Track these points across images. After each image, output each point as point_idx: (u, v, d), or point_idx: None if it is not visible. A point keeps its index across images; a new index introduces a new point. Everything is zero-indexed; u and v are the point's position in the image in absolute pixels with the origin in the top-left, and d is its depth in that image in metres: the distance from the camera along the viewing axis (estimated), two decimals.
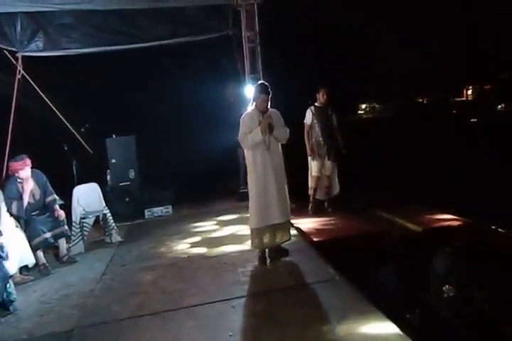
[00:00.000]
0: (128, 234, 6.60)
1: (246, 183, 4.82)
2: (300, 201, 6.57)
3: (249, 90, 6.38)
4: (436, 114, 23.55)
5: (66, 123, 7.65)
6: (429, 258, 4.28)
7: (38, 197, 5.29)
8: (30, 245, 4.98)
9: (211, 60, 10.07)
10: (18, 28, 6.73)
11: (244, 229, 5.35)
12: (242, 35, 7.05)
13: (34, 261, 5.04)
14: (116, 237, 6.23)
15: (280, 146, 4.75)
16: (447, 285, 3.84)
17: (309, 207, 6.66)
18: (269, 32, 7.58)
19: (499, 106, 26.13)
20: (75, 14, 6.77)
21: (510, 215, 5.11)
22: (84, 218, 5.97)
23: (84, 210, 6.03)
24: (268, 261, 4.72)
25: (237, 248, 5.24)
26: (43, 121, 7.93)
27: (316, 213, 6.54)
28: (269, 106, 4.66)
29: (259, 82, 4.90)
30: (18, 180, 5.11)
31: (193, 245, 5.64)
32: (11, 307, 4.06)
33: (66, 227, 5.42)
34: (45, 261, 5.19)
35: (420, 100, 38.74)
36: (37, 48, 6.93)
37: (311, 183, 6.70)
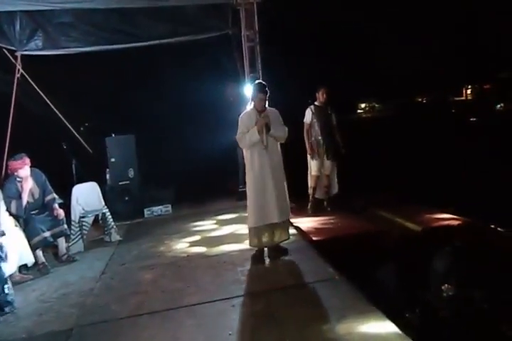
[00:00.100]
0: (127, 233, 6.60)
1: (245, 182, 4.82)
2: (299, 200, 6.57)
3: (248, 89, 6.37)
4: (435, 114, 23.54)
5: (65, 122, 7.65)
6: (429, 257, 4.28)
7: (37, 196, 5.29)
8: (30, 244, 4.97)
9: (211, 59, 10.05)
10: (18, 27, 6.72)
11: (244, 228, 5.35)
12: (241, 34, 7.05)
13: (33, 260, 5.03)
14: (116, 236, 6.22)
15: (279, 145, 4.74)
16: (447, 285, 3.84)
17: (309, 207, 6.66)
18: (268, 31, 7.57)
19: (498, 106, 26.14)
20: (75, 13, 6.77)
21: (509, 215, 5.11)
22: (83, 217, 5.96)
23: (83, 209, 6.03)
24: (267, 260, 4.72)
25: (237, 247, 5.24)
26: (43, 120, 7.91)
27: (316, 212, 6.54)
28: (267, 106, 4.66)
29: (257, 81, 4.89)
30: (18, 179, 5.11)
31: (193, 244, 5.64)
32: (6, 308, 4.04)
33: (65, 226, 5.42)
34: (44, 260, 5.19)
35: (420, 99, 38.74)
36: (36, 47, 6.92)
37: (310, 182, 6.70)
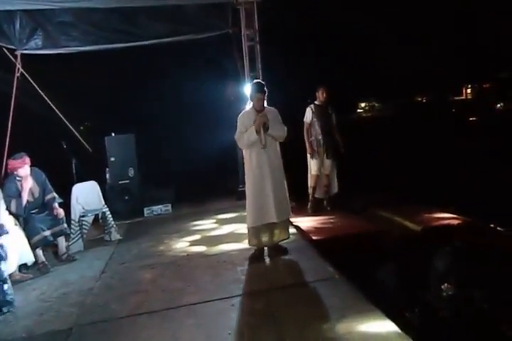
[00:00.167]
0: (127, 232, 6.60)
1: (245, 182, 4.82)
2: (299, 200, 6.57)
3: (248, 89, 6.37)
4: (435, 113, 23.54)
5: (65, 121, 7.64)
6: (429, 257, 4.28)
7: (37, 195, 5.29)
8: (30, 243, 4.97)
9: (211, 58, 10.07)
10: (17, 26, 6.72)
11: (244, 228, 5.34)
12: (241, 33, 7.04)
13: (33, 259, 5.03)
14: (116, 235, 6.22)
15: (278, 145, 4.73)
16: (447, 284, 3.85)
17: (308, 206, 6.67)
18: (268, 30, 7.57)
19: (498, 105, 26.15)
20: (75, 12, 6.76)
21: (509, 214, 5.11)
22: (83, 216, 5.96)
23: (83, 208, 6.03)
24: (267, 259, 4.72)
25: (237, 246, 5.24)
26: (42, 119, 7.92)
27: (316, 212, 6.55)
28: (266, 105, 4.65)
29: (255, 80, 4.88)
30: (17, 178, 5.10)
31: (193, 243, 5.64)
32: (6, 308, 4.03)
33: (65, 225, 5.42)
34: (44, 259, 5.19)
35: (420, 99, 38.74)
36: (36, 46, 6.92)
37: (310, 182, 6.70)
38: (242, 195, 5.80)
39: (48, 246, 5.50)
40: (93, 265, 5.23)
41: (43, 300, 4.30)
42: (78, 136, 7.89)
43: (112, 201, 7.08)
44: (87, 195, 6.14)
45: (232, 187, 7.85)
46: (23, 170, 5.08)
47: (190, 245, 5.58)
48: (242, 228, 5.70)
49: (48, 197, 5.37)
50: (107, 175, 7.54)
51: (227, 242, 5.45)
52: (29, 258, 4.99)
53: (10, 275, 4.38)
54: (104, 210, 6.17)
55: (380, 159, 9.50)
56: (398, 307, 3.66)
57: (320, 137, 6.49)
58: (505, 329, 3.32)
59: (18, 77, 6.84)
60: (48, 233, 5.15)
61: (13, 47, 6.81)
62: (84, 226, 5.96)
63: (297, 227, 5.69)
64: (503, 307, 3.59)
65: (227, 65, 8.13)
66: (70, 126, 7.73)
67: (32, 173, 5.21)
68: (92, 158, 7.94)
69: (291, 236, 4.93)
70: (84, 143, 7.98)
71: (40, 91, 7.23)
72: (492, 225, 5.23)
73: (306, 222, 6.02)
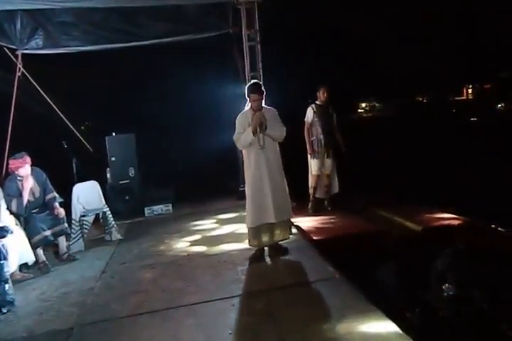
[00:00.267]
0: (128, 232, 6.60)
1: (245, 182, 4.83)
2: (300, 200, 6.57)
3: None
4: (435, 113, 23.54)
5: (66, 121, 7.64)
6: (429, 257, 4.28)
7: (37, 194, 5.29)
8: (30, 243, 4.98)
9: (211, 58, 10.06)
10: (18, 26, 6.71)
11: (244, 228, 5.33)
12: (242, 33, 7.04)
13: (34, 259, 5.04)
14: (116, 235, 6.23)
15: (277, 145, 4.72)
16: (447, 285, 3.85)
17: (309, 206, 6.67)
18: (269, 30, 7.57)
19: (499, 106, 26.14)
20: (75, 12, 6.76)
21: (509, 214, 5.11)
22: (84, 216, 5.97)
23: (84, 208, 6.03)
24: (267, 259, 4.72)
25: (237, 246, 5.24)
26: (43, 118, 7.92)
27: (316, 212, 6.55)
28: (264, 105, 4.65)
29: (252, 81, 4.86)
30: (18, 177, 5.11)
31: (193, 243, 5.64)
32: (6, 308, 4.04)
33: (66, 225, 5.42)
34: (44, 259, 5.19)
35: (420, 99, 38.75)
36: (37, 46, 6.91)
37: (310, 182, 6.70)
38: (242, 195, 5.80)
39: (49, 245, 5.51)
40: (94, 265, 5.23)
41: (44, 299, 4.31)
42: (79, 135, 7.89)
43: (113, 201, 7.09)
44: (87, 194, 6.15)
45: (233, 187, 7.86)
46: (24, 169, 5.09)
47: (191, 245, 5.59)
48: (242, 228, 5.70)
49: (49, 196, 5.38)
50: (108, 175, 7.55)
51: (228, 242, 5.46)
52: (30, 258, 5.00)
53: (10, 275, 4.38)
54: (104, 210, 6.18)
55: (380, 159, 9.50)
56: (398, 307, 3.66)
57: (321, 137, 6.49)
58: (506, 329, 3.32)
59: (19, 77, 6.84)
60: (48, 233, 5.15)
61: (13, 46, 6.81)
62: (84, 226, 5.97)
63: (298, 227, 5.68)
64: (503, 307, 3.59)
65: (227, 64, 8.13)
66: (71, 126, 7.73)
67: (33, 173, 5.21)
68: (93, 158, 7.94)
69: (291, 236, 4.93)
70: (85, 142, 7.98)
71: (41, 90, 7.23)
72: (493, 226, 5.23)
73: (306, 222, 6.03)
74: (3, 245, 4.22)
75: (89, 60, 8.58)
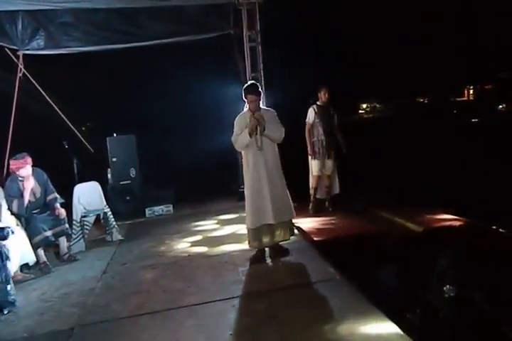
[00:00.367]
0: (128, 232, 6.60)
1: None
2: (301, 200, 6.56)
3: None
4: (436, 114, 23.53)
5: (67, 121, 7.66)
6: (430, 258, 4.28)
7: (38, 195, 5.29)
8: (31, 243, 4.99)
9: (212, 59, 10.06)
10: (19, 26, 6.72)
11: (245, 228, 5.34)
12: (243, 34, 7.04)
13: (35, 259, 5.05)
14: (117, 236, 6.23)
15: (276, 146, 4.72)
16: (448, 286, 3.85)
17: (310, 207, 6.67)
18: (270, 31, 7.57)
19: (500, 106, 26.13)
20: (76, 12, 6.77)
21: (510, 215, 5.11)
22: (84, 216, 5.97)
23: (85, 209, 6.03)
24: (268, 260, 4.72)
25: (238, 247, 5.24)
26: (44, 119, 7.93)
27: (317, 212, 6.55)
28: (262, 106, 4.65)
29: (249, 82, 4.86)
30: (19, 178, 5.11)
31: (194, 244, 5.64)
32: (8, 308, 4.04)
33: (67, 226, 5.42)
34: (45, 259, 5.20)
35: (421, 100, 38.75)
36: (38, 46, 6.92)
37: (311, 183, 6.70)
38: (243, 196, 5.80)
39: (50, 246, 5.51)
40: (94, 265, 5.23)
41: (44, 300, 4.31)
42: (80, 136, 7.91)
43: (114, 201, 7.10)
44: (88, 195, 6.15)
45: (234, 187, 7.86)
46: (25, 170, 5.09)
47: (192, 246, 5.59)
48: (243, 229, 5.69)
49: (50, 197, 5.38)
50: (109, 176, 7.55)
51: (229, 243, 5.46)
52: (31, 258, 5.00)
53: (12, 276, 4.38)
54: (105, 210, 6.18)
55: (381, 160, 9.50)
56: (399, 308, 3.66)
57: (322, 138, 6.49)
58: (506, 329, 3.31)
59: (20, 78, 6.85)
60: (49, 233, 5.16)
61: (15, 47, 6.81)
62: (85, 227, 5.97)
63: (298, 228, 5.68)
64: (504, 307, 3.58)
65: (228, 65, 8.13)
66: (72, 127, 7.74)
67: (34, 173, 5.22)
68: (94, 159, 7.95)
69: (292, 236, 4.92)
70: (86, 143, 7.99)
71: (42, 91, 7.24)
72: (493, 226, 5.23)
73: (307, 223, 6.03)
74: (4, 245, 4.23)
75: (90, 60, 8.59)
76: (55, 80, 8.43)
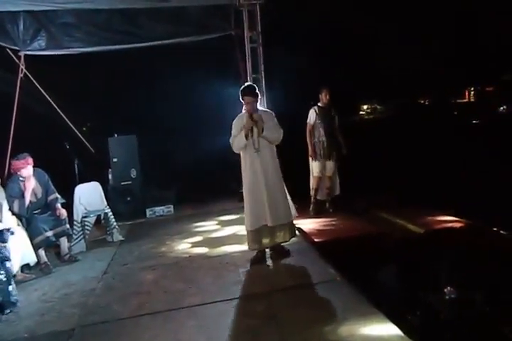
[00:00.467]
0: (129, 233, 6.60)
1: None
2: (301, 202, 6.57)
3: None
4: (437, 115, 23.52)
5: (68, 122, 7.66)
6: (431, 259, 4.28)
7: (39, 195, 5.30)
8: (32, 243, 5.00)
9: (213, 60, 10.07)
10: (21, 27, 6.72)
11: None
12: (244, 35, 7.05)
13: (36, 260, 5.06)
14: (118, 236, 6.23)
15: (274, 148, 4.71)
16: (449, 287, 3.84)
17: (311, 208, 6.66)
18: (271, 32, 7.57)
19: (501, 108, 26.10)
20: (78, 13, 6.78)
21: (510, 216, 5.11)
22: (85, 217, 5.98)
23: (85, 209, 6.04)
24: (269, 261, 4.72)
25: (239, 248, 5.23)
26: (45, 119, 7.94)
27: (318, 214, 6.55)
28: (260, 107, 4.64)
29: (246, 83, 4.84)
30: (20, 178, 5.12)
31: (195, 245, 5.64)
32: (9, 309, 4.04)
33: (68, 226, 5.43)
34: (46, 260, 5.20)
35: (422, 101, 38.71)
36: (39, 47, 6.92)
37: (312, 184, 6.70)
38: (243, 197, 5.82)
39: (51, 246, 5.52)
40: (95, 266, 5.24)
41: (45, 300, 4.32)
42: (81, 136, 7.91)
43: (114, 202, 7.10)
44: (89, 195, 6.16)
45: (235, 188, 7.85)
46: (26, 170, 5.10)
47: (192, 246, 5.59)
48: (244, 230, 5.65)
49: (51, 197, 5.39)
50: (110, 176, 7.56)
51: (230, 244, 5.46)
52: (31, 259, 5.01)
53: (13, 276, 4.39)
54: (106, 211, 6.19)
55: (381, 161, 9.49)
56: (400, 309, 3.65)
57: (323, 139, 6.49)
58: (508, 331, 3.31)
59: (21, 78, 6.85)
60: (50, 233, 5.16)
61: (16, 48, 6.81)
62: (86, 227, 5.98)
63: (299, 229, 5.68)
64: (505, 308, 3.58)
65: (229, 66, 8.13)
66: (73, 127, 7.75)
67: (35, 174, 5.23)
68: (95, 159, 7.96)
69: (293, 238, 4.91)
70: (87, 143, 7.99)
71: (43, 91, 7.25)
72: (494, 228, 5.23)
73: (308, 224, 6.03)
74: (5, 246, 4.23)
75: (92, 61, 8.60)
76: (57, 81, 8.44)
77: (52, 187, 5.45)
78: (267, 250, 4.81)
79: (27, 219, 5.15)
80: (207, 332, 3.33)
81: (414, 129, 15.65)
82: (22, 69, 6.85)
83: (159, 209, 7.48)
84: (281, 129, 4.63)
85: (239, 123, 4.58)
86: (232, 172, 7.89)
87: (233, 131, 4.59)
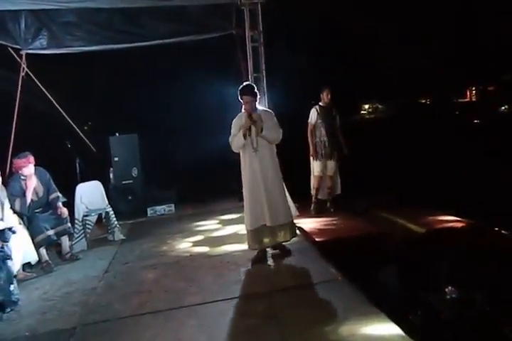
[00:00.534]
0: (130, 232, 6.62)
1: None
2: (302, 201, 6.57)
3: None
4: (438, 115, 23.49)
5: (69, 120, 7.67)
6: (432, 259, 4.28)
7: (41, 194, 5.31)
8: (33, 242, 5.00)
9: (214, 59, 10.07)
10: (23, 26, 6.72)
11: None
12: (245, 34, 7.04)
13: (37, 258, 5.07)
14: (119, 235, 6.24)
15: (273, 147, 4.70)
16: (450, 287, 3.84)
17: (311, 207, 6.66)
18: (272, 31, 7.57)
19: (502, 108, 26.07)
20: (79, 12, 6.77)
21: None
22: (86, 216, 5.99)
23: (87, 208, 6.05)
24: (270, 261, 4.72)
25: (240, 247, 5.23)
26: (47, 118, 7.95)
27: (318, 213, 6.55)
28: (260, 107, 4.64)
29: (244, 83, 4.82)
30: (22, 177, 5.13)
31: (196, 244, 5.65)
32: (10, 308, 4.04)
33: (69, 225, 5.44)
34: (47, 258, 5.21)
35: (423, 101, 38.66)
36: (41, 46, 6.92)
37: (313, 183, 6.70)
38: (243, 196, 5.83)
39: (52, 245, 5.53)
40: (96, 264, 5.25)
41: (46, 299, 4.33)
42: (82, 135, 7.92)
43: (116, 201, 7.11)
44: (90, 194, 6.17)
45: (235, 187, 7.85)
46: (28, 169, 5.11)
47: (193, 245, 5.60)
48: (245, 229, 5.70)
49: (52, 196, 5.40)
50: (111, 175, 7.57)
51: (230, 243, 5.46)
52: (33, 257, 5.02)
53: (15, 276, 4.40)
54: (107, 210, 6.19)
55: (382, 160, 9.49)
56: (401, 309, 3.65)
57: (325, 139, 6.48)
58: (508, 331, 3.31)
59: (23, 77, 6.85)
60: (51, 232, 5.17)
61: (18, 46, 6.82)
62: (87, 226, 5.99)
63: (300, 229, 5.68)
64: (505, 308, 3.58)
65: (230, 66, 8.13)
66: (74, 126, 7.76)
67: (36, 172, 5.24)
68: (96, 158, 7.97)
69: (294, 237, 4.91)
70: (88, 142, 8.00)
71: (44, 90, 7.26)
72: (495, 228, 5.22)
73: (309, 224, 6.03)
74: (6, 245, 4.24)
75: (93, 60, 8.60)
76: (58, 79, 8.45)
77: (54, 185, 5.46)
78: (268, 249, 4.81)
79: (28, 218, 5.16)
80: (207, 332, 3.33)
81: (415, 129, 15.64)
82: (23, 68, 6.86)
83: (160, 208, 7.49)
84: (281, 129, 4.62)
85: (238, 122, 4.58)
86: (233, 171, 7.91)
87: (232, 130, 4.59)
